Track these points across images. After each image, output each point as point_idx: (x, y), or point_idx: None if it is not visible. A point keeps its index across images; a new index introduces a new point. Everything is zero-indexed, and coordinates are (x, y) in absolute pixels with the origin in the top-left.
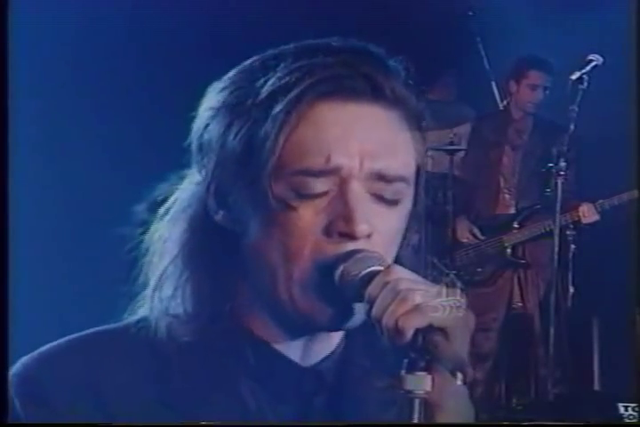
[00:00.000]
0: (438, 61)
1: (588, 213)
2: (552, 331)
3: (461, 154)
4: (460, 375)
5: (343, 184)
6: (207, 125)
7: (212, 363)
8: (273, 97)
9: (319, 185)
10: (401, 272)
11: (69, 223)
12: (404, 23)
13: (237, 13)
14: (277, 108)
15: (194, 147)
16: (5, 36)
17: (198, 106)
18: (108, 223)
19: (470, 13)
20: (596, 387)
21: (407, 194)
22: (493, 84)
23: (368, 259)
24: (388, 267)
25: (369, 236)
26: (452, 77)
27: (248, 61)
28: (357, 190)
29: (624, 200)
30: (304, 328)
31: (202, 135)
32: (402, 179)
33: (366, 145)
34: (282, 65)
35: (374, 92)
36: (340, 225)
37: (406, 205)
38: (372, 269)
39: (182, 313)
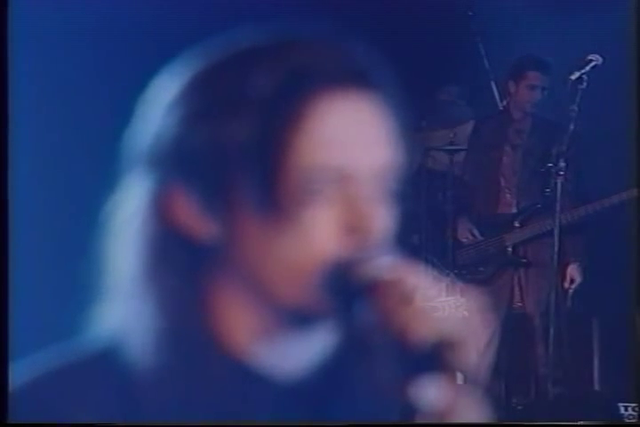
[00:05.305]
0: (438, 61)
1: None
2: (552, 331)
3: (462, 154)
4: (470, 382)
5: (353, 180)
6: (180, 132)
7: (189, 386)
8: (276, 93)
9: (329, 181)
10: (413, 277)
11: (70, 219)
12: (404, 23)
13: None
14: (286, 104)
15: (155, 155)
16: (5, 34)
17: (150, 109)
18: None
19: (470, 13)
20: (596, 387)
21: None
22: (493, 84)
23: (379, 260)
24: (401, 271)
25: (379, 232)
26: (452, 77)
27: (217, 57)
28: (367, 185)
29: (624, 199)
30: (298, 323)
31: (175, 144)
32: (395, 171)
33: (372, 138)
34: (268, 59)
35: (369, 83)
36: (356, 222)
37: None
38: (385, 271)
39: (153, 335)
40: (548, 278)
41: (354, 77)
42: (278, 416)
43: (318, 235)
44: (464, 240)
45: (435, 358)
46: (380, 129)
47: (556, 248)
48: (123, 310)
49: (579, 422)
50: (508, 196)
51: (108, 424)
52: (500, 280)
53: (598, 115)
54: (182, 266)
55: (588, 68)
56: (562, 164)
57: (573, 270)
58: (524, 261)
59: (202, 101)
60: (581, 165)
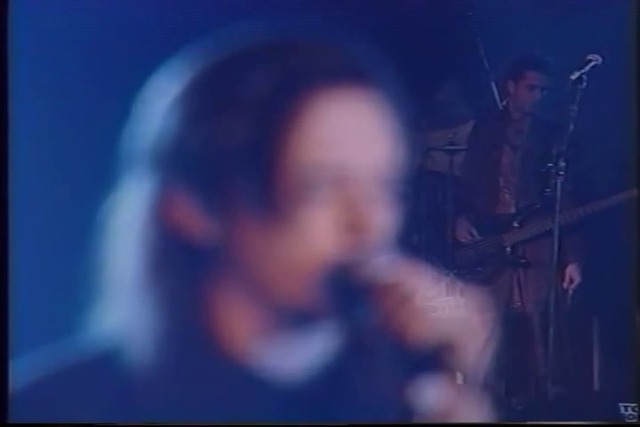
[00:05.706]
0: (437, 61)
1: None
2: (552, 331)
3: (461, 154)
4: (470, 382)
5: (352, 179)
6: (180, 132)
7: (186, 389)
8: (275, 93)
9: (328, 180)
10: (413, 277)
11: (71, 219)
12: (404, 22)
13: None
14: (285, 103)
15: (155, 156)
16: (5, 34)
17: (148, 110)
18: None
19: (470, 13)
20: (596, 387)
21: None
22: (493, 84)
23: (379, 260)
24: (401, 271)
25: (378, 231)
26: (452, 77)
27: (214, 58)
28: (366, 185)
29: (623, 200)
30: (298, 324)
31: (175, 144)
32: (394, 171)
33: (372, 137)
34: (267, 59)
35: (368, 83)
36: (355, 221)
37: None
38: (384, 272)
39: (153, 336)
40: (547, 278)
41: (353, 77)
42: (278, 417)
43: (318, 235)
44: (463, 240)
45: (434, 358)
46: (380, 129)
47: (556, 248)
48: (123, 311)
49: (579, 422)
50: (507, 196)
51: (108, 424)
52: (500, 280)
53: (598, 115)
54: (182, 267)
55: (587, 68)
56: (562, 164)
57: (573, 270)
58: (523, 261)
59: (201, 102)
60: (581, 165)
